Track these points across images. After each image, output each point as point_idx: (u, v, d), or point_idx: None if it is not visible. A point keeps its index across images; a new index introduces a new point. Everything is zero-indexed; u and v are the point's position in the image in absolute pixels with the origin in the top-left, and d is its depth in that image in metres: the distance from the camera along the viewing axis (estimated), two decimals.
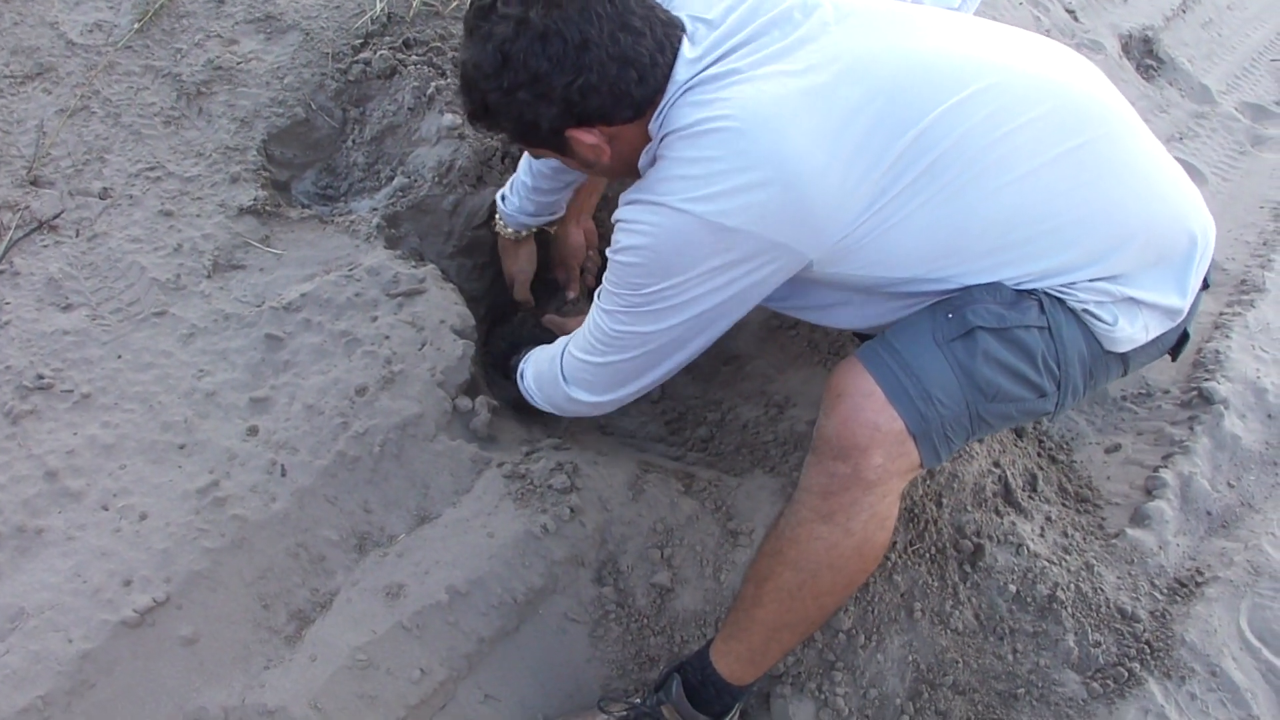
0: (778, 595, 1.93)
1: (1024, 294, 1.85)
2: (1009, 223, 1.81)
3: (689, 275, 1.83)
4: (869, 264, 1.84)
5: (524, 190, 2.57)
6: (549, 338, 2.73)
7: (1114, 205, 1.86)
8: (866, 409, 1.78)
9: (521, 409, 2.65)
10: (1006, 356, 1.81)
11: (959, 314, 1.82)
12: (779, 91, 1.74)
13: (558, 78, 1.78)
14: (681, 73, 1.82)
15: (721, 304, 1.88)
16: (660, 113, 1.85)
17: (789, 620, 1.95)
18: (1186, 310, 2.00)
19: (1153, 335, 1.96)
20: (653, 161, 1.88)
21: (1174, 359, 2.18)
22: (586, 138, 1.88)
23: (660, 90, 1.83)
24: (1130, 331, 1.90)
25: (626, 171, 2.01)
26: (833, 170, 1.73)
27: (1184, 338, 2.11)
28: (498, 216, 2.70)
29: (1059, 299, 1.86)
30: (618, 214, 1.89)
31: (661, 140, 1.85)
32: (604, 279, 1.98)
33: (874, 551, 1.89)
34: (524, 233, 2.71)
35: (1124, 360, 1.99)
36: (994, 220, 1.81)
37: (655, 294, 1.88)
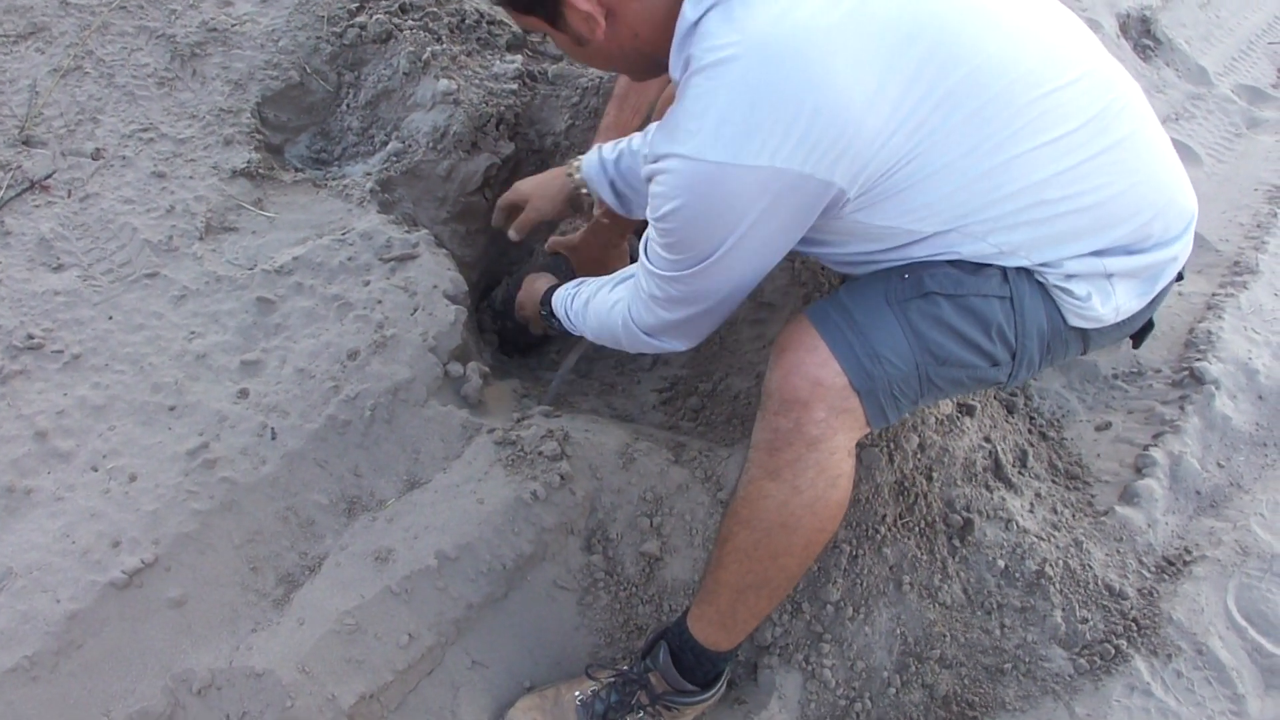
0: (736, 556, 1.91)
1: (988, 264, 1.80)
2: (1044, 183, 1.73)
3: (741, 228, 1.67)
4: (902, 211, 1.73)
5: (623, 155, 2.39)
6: (561, 265, 2.71)
7: (1131, 178, 1.80)
8: (809, 363, 1.75)
9: (511, 350, 2.65)
10: (959, 322, 1.77)
11: (914, 276, 1.77)
12: (823, 11, 1.58)
13: None
14: None
15: (781, 240, 1.74)
16: (699, 2, 1.64)
17: (751, 581, 1.92)
18: (1157, 296, 1.96)
19: (1121, 318, 1.92)
20: (684, 68, 1.68)
21: (1136, 346, 2.14)
22: (581, 3, 1.67)
23: None
24: (1101, 310, 1.86)
25: (626, 64, 1.86)
26: (882, 100, 1.60)
27: (1148, 326, 2.07)
28: (576, 162, 2.49)
29: (1027, 270, 1.81)
30: (650, 170, 1.73)
31: (691, 49, 1.65)
32: (649, 244, 1.85)
33: (828, 510, 1.84)
34: (576, 176, 2.48)
35: (1085, 339, 1.94)
36: (1032, 177, 1.72)
37: (709, 259, 1.74)
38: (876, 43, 1.58)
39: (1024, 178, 1.72)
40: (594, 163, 2.43)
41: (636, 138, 2.35)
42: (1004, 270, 1.80)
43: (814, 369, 1.74)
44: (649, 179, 1.73)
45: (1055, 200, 1.75)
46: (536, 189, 2.59)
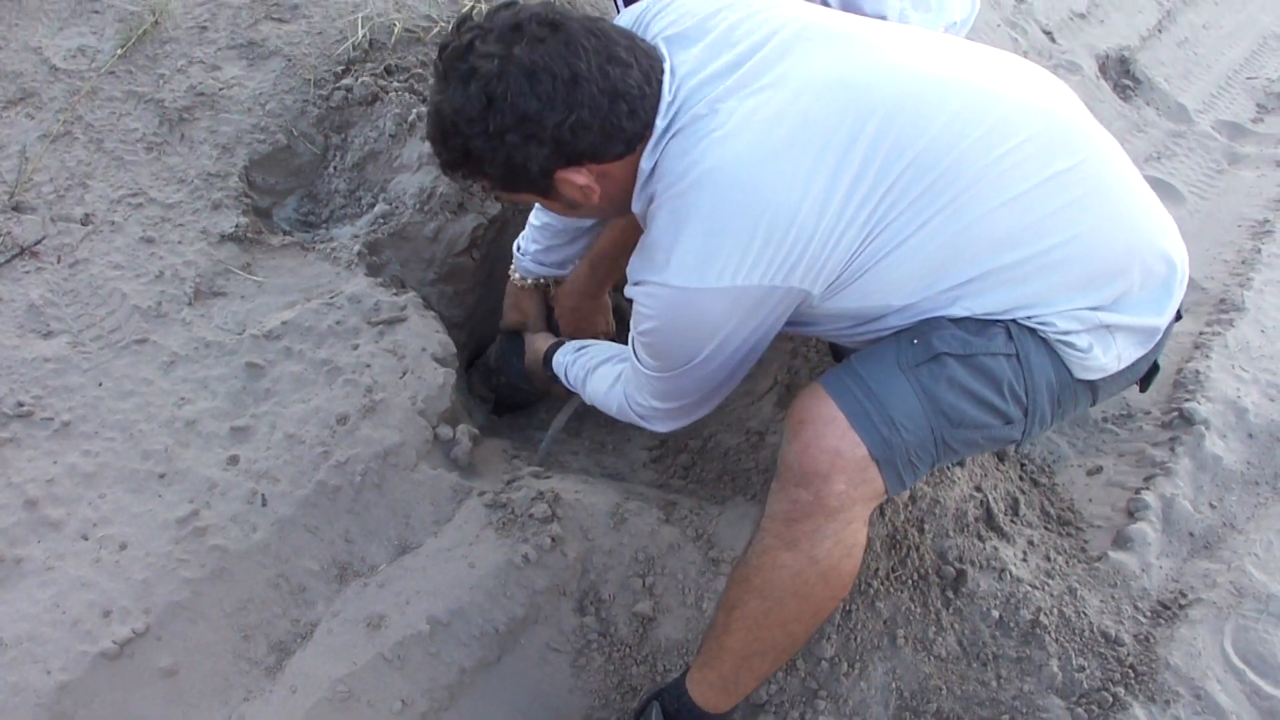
0: (745, 623, 1.91)
1: (991, 321, 1.83)
2: (1003, 243, 1.78)
3: (716, 340, 1.83)
4: (867, 293, 1.81)
5: (535, 238, 2.58)
6: (516, 343, 2.78)
7: (1102, 229, 1.83)
8: (828, 435, 1.76)
9: (506, 410, 2.66)
10: (972, 383, 1.79)
11: (924, 340, 1.79)
12: (767, 131, 1.71)
13: (549, 116, 1.69)
14: (666, 109, 1.78)
15: (758, 339, 1.88)
16: (655, 149, 1.80)
17: (758, 648, 1.94)
18: (1159, 339, 1.98)
19: (1125, 364, 1.94)
20: (648, 204, 1.83)
21: (1143, 390, 2.15)
22: (577, 178, 1.79)
23: (649, 124, 1.77)
24: (1103, 360, 1.88)
25: (616, 211, 1.97)
26: (831, 203, 1.70)
27: (1154, 369, 2.09)
28: (513, 265, 2.69)
29: (1029, 328, 1.84)
30: (630, 292, 1.86)
31: (653, 189, 1.81)
32: (635, 347, 1.97)
33: (841, 579, 1.87)
34: (529, 281, 2.68)
35: (1093, 389, 1.97)
36: (990, 240, 1.77)
37: (690, 364, 1.89)
38: (820, 151, 1.70)
39: (980, 241, 1.77)
40: (521, 260, 2.65)
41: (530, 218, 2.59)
42: (1007, 328, 1.83)
43: (834, 440, 1.76)
44: (632, 301, 1.88)
45: (1020, 259, 1.79)
46: (511, 308, 2.77)
